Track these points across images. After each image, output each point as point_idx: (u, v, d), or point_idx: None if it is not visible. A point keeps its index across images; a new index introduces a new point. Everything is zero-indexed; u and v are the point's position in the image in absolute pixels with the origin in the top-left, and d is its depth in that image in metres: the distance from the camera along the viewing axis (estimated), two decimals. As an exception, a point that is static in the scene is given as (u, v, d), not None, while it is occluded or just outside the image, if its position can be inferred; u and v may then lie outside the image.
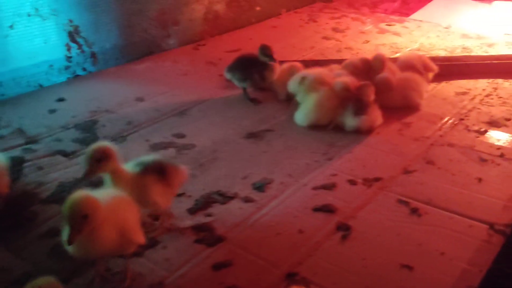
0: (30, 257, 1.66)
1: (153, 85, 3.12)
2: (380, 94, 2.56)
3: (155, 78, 3.24)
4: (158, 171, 1.70)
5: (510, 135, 2.40)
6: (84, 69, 3.27)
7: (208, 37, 3.99)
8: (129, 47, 3.47)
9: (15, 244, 1.72)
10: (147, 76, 3.27)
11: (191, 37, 3.86)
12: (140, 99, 2.92)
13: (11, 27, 2.87)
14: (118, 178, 1.63)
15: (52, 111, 2.74)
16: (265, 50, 2.75)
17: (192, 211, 1.92)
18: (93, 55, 3.28)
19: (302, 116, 2.56)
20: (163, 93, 3.01)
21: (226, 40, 3.95)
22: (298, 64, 2.87)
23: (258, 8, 4.35)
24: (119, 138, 2.48)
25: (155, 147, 2.39)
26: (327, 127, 2.52)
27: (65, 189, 2.01)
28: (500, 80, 3.04)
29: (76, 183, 2.06)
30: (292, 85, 2.69)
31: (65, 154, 2.31)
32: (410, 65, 2.84)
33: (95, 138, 2.46)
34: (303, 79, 2.63)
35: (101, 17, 3.26)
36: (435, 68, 2.91)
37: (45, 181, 2.06)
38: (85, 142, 2.42)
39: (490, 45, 3.65)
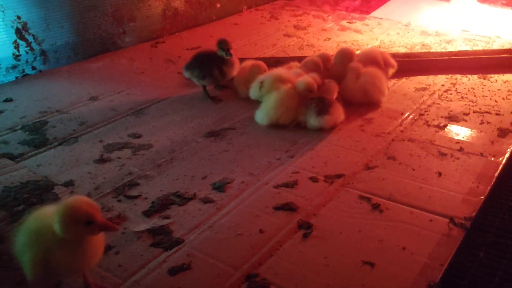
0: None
1: (108, 83, 2.99)
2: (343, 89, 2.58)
3: (110, 76, 3.11)
4: None
5: (468, 129, 2.42)
6: (34, 68, 3.11)
7: (167, 35, 3.88)
8: (82, 44, 3.32)
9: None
10: (102, 75, 3.14)
11: (149, 34, 3.74)
12: (94, 98, 2.80)
13: (-49, 23, 2.70)
14: None
15: (-1, 112, 2.59)
16: (222, 44, 2.68)
17: (148, 213, 1.83)
18: (43, 53, 3.13)
19: (262, 115, 2.50)
20: (119, 92, 2.90)
21: (185, 38, 3.86)
22: (261, 63, 2.80)
23: (218, 5, 4.28)
24: (70, 139, 2.36)
25: (109, 148, 2.29)
26: (289, 125, 2.47)
27: (10, 194, 1.88)
28: (458, 76, 3.08)
29: (23, 188, 1.93)
30: (253, 92, 2.63)
31: (11, 157, 2.17)
32: (372, 59, 2.83)
33: (44, 140, 2.33)
34: (261, 83, 2.58)
35: (52, 13, 3.10)
36: (395, 64, 2.92)
37: (-11, 186, 1.93)
38: (33, 144, 2.29)
39: (448, 42, 3.70)
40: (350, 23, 4.26)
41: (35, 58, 3.10)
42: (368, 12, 4.68)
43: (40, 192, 1.91)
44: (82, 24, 3.30)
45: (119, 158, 2.21)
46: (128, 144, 2.33)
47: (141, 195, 1.94)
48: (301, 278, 1.52)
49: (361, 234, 1.71)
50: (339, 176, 2.05)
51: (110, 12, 3.44)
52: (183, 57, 3.38)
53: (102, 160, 2.19)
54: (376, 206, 1.85)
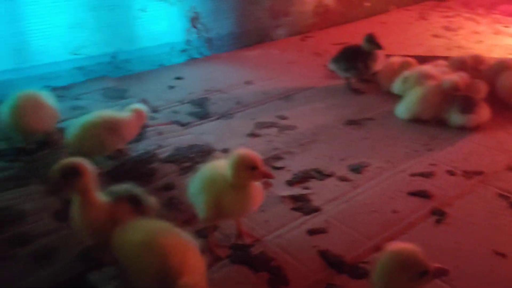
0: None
1: (261, 70, 3.32)
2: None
3: (263, 64, 3.43)
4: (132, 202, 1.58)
5: None
6: (200, 53, 3.57)
7: (316, 30, 4.11)
8: (241, 35, 3.71)
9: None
10: (256, 62, 3.48)
11: (299, 29, 4.01)
12: (249, 82, 3.13)
13: (142, 10, 3.23)
14: (86, 200, 1.47)
15: (171, 87, 3.05)
16: (371, 38, 2.81)
17: (291, 183, 2.06)
18: (209, 40, 3.57)
19: (404, 109, 2.57)
20: (270, 78, 3.19)
21: (333, 33, 4.04)
22: (409, 59, 2.87)
23: (367, 4, 4.38)
24: (227, 115, 2.70)
25: (259, 126, 2.57)
26: (430, 121, 2.51)
27: (180, 152, 2.26)
28: None
29: (189, 149, 2.30)
30: (396, 87, 2.71)
31: (181, 124, 2.58)
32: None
33: (207, 113, 2.70)
34: (405, 78, 2.65)
35: (220, 5, 3.53)
36: None
37: (164, 145, 2.33)
38: (198, 116, 2.67)
39: None
40: (505, 27, 4.05)
41: (202, 45, 3.56)
42: (528, 17, 4.38)
43: (203, 154, 2.26)
44: (243, 17, 3.68)
45: (267, 134, 2.48)
46: (276, 123, 2.59)
47: (285, 167, 2.18)
48: (430, 256, 1.59)
49: (495, 228, 1.73)
50: (478, 173, 2.06)
51: (268, 6, 3.78)
52: (330, 51, 3.56)
53: (253, 135, 2.47)
54: (515, 205, 1.84)
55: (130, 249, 1.35)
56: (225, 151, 2.31)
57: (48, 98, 2.26)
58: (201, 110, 2.74)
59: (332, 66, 3.00)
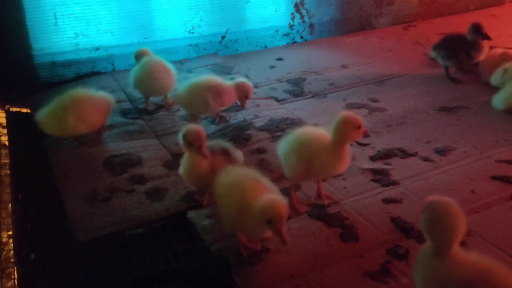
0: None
1: (358, 56, 3.42)
2: None
3: (361, 50, 3.53)
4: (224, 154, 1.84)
5: None
6: (302, 37, 3.76)
7: (420, 20, 4.08)
8: (343, 21, 3.83)
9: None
10: (354, 48, 3.58)
11: (402, 18, 4.02)
12: (344, 66, 3.25)
13: (252, -6, 3.51)
14: (197, 155, 1.76)
15: (272, 67, 3.28)
16: (478, 28, 2.78)
17: (374, 158, 2.18)
18: (311, 25, 3.75)
19: (501, 99, 2.54)
20: (366, 64, 3.29)
21: (438, 24, 3.99)
22: (510, 51, 2.80)
23: (478, -5, 4.23)
24: (321, 94, 2.86)
25: (350, 106, 2.70)
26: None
27: (273, 123, 2.48)
28: None
29: (282, 121, 2.51)
30: (495, 78, 2.67)
31: (277, 99, 2.80)
32: None
33: (302, 92, 2.90)
34: (505, 70, 2.60)
35: (325, -8, 3.70)
36: None
37: (260, 115, 2.57)
38: (293, 93, 2.87)
39: None
40: None
41: (304, 29, 3.74)
42: None
43: (294, 126, 2.44)
44: (347, 4, 3.80)
45: (357, 114, 2.59)
46: (366, 105, 2.70)
47: (370, 144, 2.30)
48: (502, 235, 1.66)
49: None
50: None
51: (372, -5, 3.85)
52: (432, 40, 3.54)
53: (343, 114, 2.62)
54: None
55: (220, 189, 1.60)
56: (315, 125, 2.48)
57: (170, 67, 2.63)
58: (297, 89, 2.94)
59: (433, 54, 3.02)
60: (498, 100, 2.56)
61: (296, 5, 3.64)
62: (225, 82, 2.46)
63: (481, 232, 1.67)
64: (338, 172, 1.81)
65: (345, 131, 1.70)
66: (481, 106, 2.61)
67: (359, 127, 1.70)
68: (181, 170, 1.83)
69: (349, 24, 3.86)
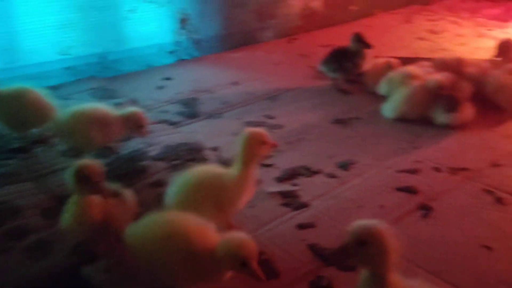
0: (140, 201, 1.91)
1: (247, 72, 3.34)
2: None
3: (249, 66, 3.46)
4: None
5: None
6: (189, 54, 3.58)
7: (302, 32, 4.15)
8: (228, 36, 3.74)
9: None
10: (242, 64, 3.51)
11: (285, 31, 4.05)
12: (236, 83, 3.15)
13: (130, 11, 3.24)
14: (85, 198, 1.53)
15: (160, 87, 3.06)
16: (359, 37, 2.87)
17: (280, 179, 2.08)
18: (197, 42, 3.59)
19: (390, 108, 2.62)
20: (257, 79, 3.22)
21: (319, 36, 4.09)
22: (393, 60, 2.92)
23: (353, 7, 4.45)
24: (215, 114, 2.71)
25: (247, 125, 2.59)
26: (415, 120, 2.55)
27: (170, 150, 2.27)
28: None
29: (179, 147, 2.31)
30: (382, 87, 2.76)
31: (170, 123, 2.59)
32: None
33: (196, 113, 2.72)
34: (390, 79, 2.70)
35: (208, 7, 3.56)
36: None
37: (154, 143, 2.34)
38: (186, 115, 2.68)
39: None
40: (488, 30, 4.14)
41: (190, 46, 3.57)
42: (509, 21, 4.48)
43: (193, 152, 2.27)
44: (230, 19, 3.72)
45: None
46: (263, 123, 2.61)
47: (274, 165, 2.20)
48: (417, 249, 1.65)
49: (481, 221, 1.77)
50: (463, 169, 2.11)
51: (255, 9, 3.82)
52: (316, 52, 3.61)
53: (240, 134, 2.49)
54: (499, 200, 1.89)
55: (148, 244, 1.37)
56: (214, 149, 2.33)
57: (43, 95, 2.27)
58: (190, 110, 2.75)
59: (322, 68, 3.05)
60: (387, 109, 2.64)
61: (180, 21, 3.46)
62: (111, 111, 2.18)
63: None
64: (249, 197, 1.69)
65: (252, 149, 1.63)
66: (372, 115, 2.68)
67: (265, 142, 1.64)
68: (66, 218, 1.53)
69: (234, 39, 3.78)
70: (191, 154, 2.25)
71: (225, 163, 2.18)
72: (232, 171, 1.65)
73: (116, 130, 2.15)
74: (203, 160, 2.23)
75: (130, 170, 2.09)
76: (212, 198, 1.62)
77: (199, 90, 3.02)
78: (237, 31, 3.78)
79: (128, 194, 1.67)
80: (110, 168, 2.07)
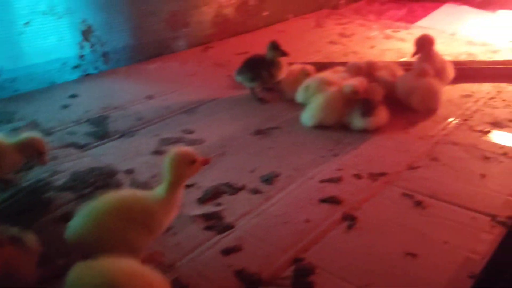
0: (45, 239, 1.70)
1: (162, 84, 3.19)
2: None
3: (164, 77, 3.31)
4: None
5: (513, 135, 2.45)
6: (96, 68, 3.35)
7: (217, 40, 4.07)
8: (139, 47, 3.55)
9: (31, 227, 1.77)
10: (156, 76, 3.35)
11: (200, 40, 3.94)
12: (150, 97, 2.99)
13: (26, 24, 2.95)
14: None
15: (65, 106, 2.81)
16: (275, 45, 2.82)
17: (202, 200, 1.97)
18: (105, 54, 3.37)
19: (308, 116, 2.61)
20: (172, 92, 3.08)
21: (234, 43, 4.03)
22: (309, 66, 2.92)
23: (266, 13, 4.44)
24: (129, 132, 2.54)
25: (164, 142, 2.45)
26: (333, 127, 2.56)
27: (79, 178, 2.07)
28: (504, 84, 3.09)
29: (89, 173, 2.11)
30: (299, 96, 2.75)
31: (78, 146, 2.37)
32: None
33: (106, 132, 2.52)
34: (307, 87, 2.70)
35: (114, 17, 3.34)
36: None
37: (59, 170, 2.12)
38: (96, 136, 2.48)
39: (494, 52, 3.70)
40: (395, 32, 4.32)
41: (97, 59, 3.34)
42: (413, 22, 4.72)
43: (105, 177, 2.09)
44: (140, 29, 3.53)
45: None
46: (182, 138, 2.49)
47: (195, 184, 2.08)
48: (345, 263, 1.62)
49: (403, 228, 1.78)
50: (382, 174, 2.13)
51: (166, 18, 3.67)
52: (232, 61, 3.54)
53: (158, 152, 2.35)
54: (418, 203, 1.92)
55: None
56: (129, 172, 2.17)
57: None
58: (100, 129, 2.55)
59: (238, 78, 2.97)
60: (306, 117, 2.62)
61: (83, 33, 3.23)
62: (4, 138, 1.93)
63: (325, 266, 1.60)
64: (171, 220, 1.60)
65: (179, 170, 1.54)
66: (291, 124, 2.65)
67: (194, 161, 1.56)
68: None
69: (147, 49, 3.60)
70: (103, 180, 2.07)
71: (142, 186, 2.05)
72: (158, 194, 1.55)
73: (12, 160, 1.92)
74: (117, 185, 2.06)
75: (32, 205, 1.87)
76: (136, 225, 1.49)
77: (110, 107, 2.82)
78: (149, 41, 3.61)
79: (30, 238, 1.47)
80: (8, 204, 1.85)
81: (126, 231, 1.48)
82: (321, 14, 4.91)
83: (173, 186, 1.55)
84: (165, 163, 1.54)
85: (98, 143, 2.43)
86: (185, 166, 1.55)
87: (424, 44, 2.94)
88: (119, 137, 2.49)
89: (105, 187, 2.02)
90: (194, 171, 1.58)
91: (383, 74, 2.86)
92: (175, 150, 1.56)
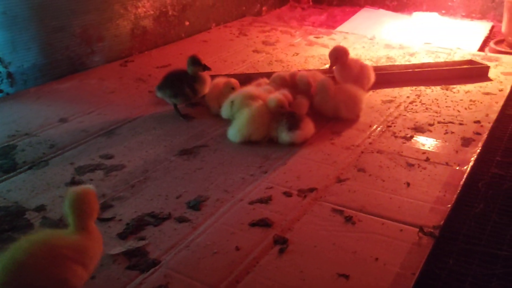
0: None
1: (78, 104, 2.97)
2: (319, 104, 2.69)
3: (80, 97, 3.09)
4: None
5: (434, 139, 2.51)
6: (1, 91, 3.06)
7: (137, 53, 3.88)
8: (50, 65, 3.29)
9: None
10: (71, 96, 3.11)
11: (118, 54, 3.73)
12: (64, 120, 2.77)
13: None
14: None
15: (-35, 137, 2.53)
16: (195, 60, 2.71)
17: (123, 236, 1.83)
18: (10, 75, 3.08)
19: (235, 132, 2.52)
20: (89, 112, 2.88)
21: (155, 56, 3.87)
22: (234, 80, 2.83)
23: (187, 23, 4.31)
24: (40, 162, 2.33)
25: (80, 171, 2.27)
26: (261, 141, 2.50)
27: (-21, 221, 1.84)
28: (422, 87, 3.19)
29: (-7, 215, 1.89)
30: (224, 112, 2.66)
31: (-21, 183, 2.13)
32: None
33: (14, 164, 2.29)
34: (232, 102, 2.62)
35: (18, 35, 3.06)
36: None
37: (-44, 215, 1.88)
38: (1, 169, 2.25)
39: (412, 54, 3.83)
40: (317, 37, 4.36)
41: (1, 81, 3.05)
42: (334, 27, 4.80)
43: (12, 218, 1.88)
44: (50, 46, 3.27)
45: (91, 180, 2.19)
46: (100, 165, 2.32)
47: (115, 217, 1.93)
48: (278, 293, 1.55)
49: (335, 247, 1.75)
50: (311, 190, 2.09)
51: (78, 32, 3.43)
52: (153, 75, 3.39)
53: (73, 183, 2.16)
54: (348, 219, 1.90)
55: None
56: (40, 209, 1.97)
57: None
58: (6, 162, 2.31)
59: (159, 94, 2.81)
60: (232, 133, 2.54)
61: (-19, 54, 2.94)
62: None
63: (258, 299, 1.52)
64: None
65: (84, 212, 1.45)
66: (219, 141, 2.55)
67: (95, 203, 1.49)
68: None
69: (58, 67, 3.35)
70: (9, 221, 1.86)
71: (55, 225, 1.87)
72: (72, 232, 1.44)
73: None
74: (26, 226, 1.86)
75: None
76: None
77: (18, 135, 2.58)
78: (61, 58, 3.36)
79: None
80: None
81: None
82: (244, 22, 4.86)
83: (81, 226, 1.44)
84: (65, 207, 1.44)
85: (4, 177, 2.19)
86: (91, 207, 1.46)
87: (338, 57, 2.97)
88: (28, 169, 2.27)
89: (12, 230, 1.81)
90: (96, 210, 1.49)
91: (302, 84, 2.80)
92: (72, 190, 1.47)
